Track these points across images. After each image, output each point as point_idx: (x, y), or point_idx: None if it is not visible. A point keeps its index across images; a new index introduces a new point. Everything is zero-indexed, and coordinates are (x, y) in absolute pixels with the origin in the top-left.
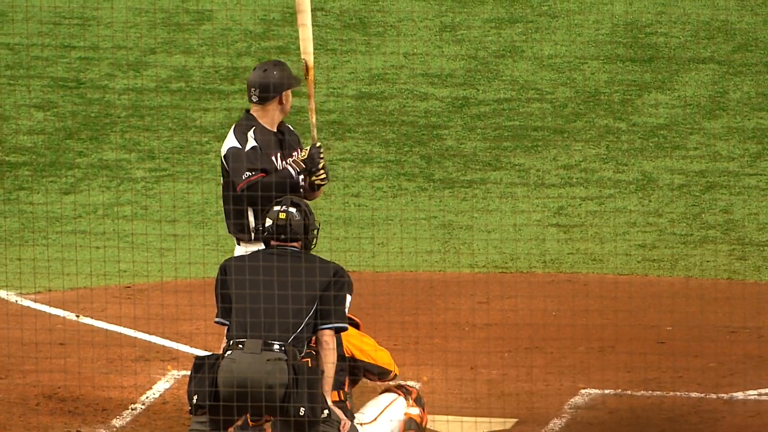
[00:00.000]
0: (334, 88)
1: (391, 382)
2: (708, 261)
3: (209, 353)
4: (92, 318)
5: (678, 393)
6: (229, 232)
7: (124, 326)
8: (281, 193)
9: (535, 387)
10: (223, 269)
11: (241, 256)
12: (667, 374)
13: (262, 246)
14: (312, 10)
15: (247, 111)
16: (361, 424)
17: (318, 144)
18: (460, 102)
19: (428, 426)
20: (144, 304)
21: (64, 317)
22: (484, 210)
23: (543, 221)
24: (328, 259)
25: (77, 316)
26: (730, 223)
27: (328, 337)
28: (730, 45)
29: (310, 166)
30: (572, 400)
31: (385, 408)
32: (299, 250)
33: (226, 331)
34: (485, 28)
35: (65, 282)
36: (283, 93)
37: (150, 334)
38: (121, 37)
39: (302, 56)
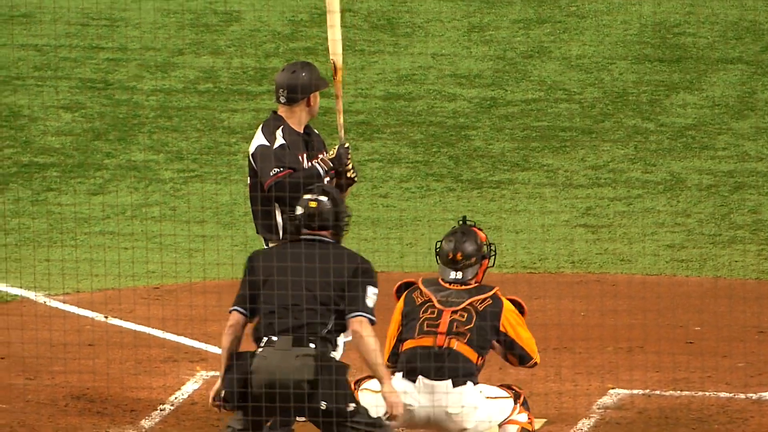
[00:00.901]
0: (361, 89)
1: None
2: (736, 261)
3: (243, 351)
4: (120, 319)
5: (706, 393)
6: (258, 233)
7: (153, 327)
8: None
9: (563, 387)
10: (250, 260)
11: (268, 249)
12: (695, 374)
13: None
14: (340, 11)
15: (274, 112)
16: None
17: (346, 144)
18: (488, 102)
19: None
20: (172, 305)
21: (92, 318)
22: (512, 210)
23: (571, 221)
24: (353, 251)
25: (105, 317)
26: (758, 223)
27: (357, 325)
28: (759, 45)
29: (338, 166)
30: (601, 400)
31: (496, 398)
32: (329, 239)
33: (231, 320)
34: (513, 29)
35: (93, 283)
36: (311, 95)
37: (178, 335)
38: (149, 38)
39: (331, 57)
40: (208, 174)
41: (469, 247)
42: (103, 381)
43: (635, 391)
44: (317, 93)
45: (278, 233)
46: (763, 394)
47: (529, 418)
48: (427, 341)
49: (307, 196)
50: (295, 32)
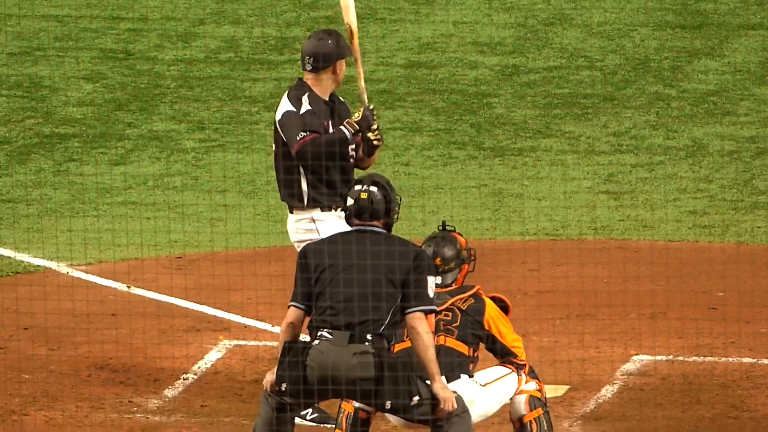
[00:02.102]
0: (383, 57)
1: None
2: (759, 227)
3: (300, 340)
4: (143, 289)
5: (730, 359)
6: (282, 200)
7: (176, 297)
8: (331, 157)
9: (587, 354)
10: (304, 253)
11: (321, 240)
12: (719, 340)
13: (317, 212)
14: None
15: (300, 79)
16: (475, 382)
17: (371, 106)
18: (510, 70)
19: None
20: (195, 275)
21: (115, 288)
22: (535, 178)
23: (593, 188)
24: (407, 240)
25: (128, 287)
26: None
27: (415, 321)
28: None
29: (364, 127)
30: (624, 366)
31: (498, 378)
32: (381, 229)
33: (289, 316)
34: None
35: (116, 253)
36: (337, 62)
37: (201, 305)
38: (169, 8)
39: (346, 22)
40: (230, 143)
41: (448, 252)
42: (126, 351)
43: (658, 358)
44: (343, 61)
45: (303, 201)
46: None
47: (538, 386)
48: None
49: (357, 187)
50: (316, 1)
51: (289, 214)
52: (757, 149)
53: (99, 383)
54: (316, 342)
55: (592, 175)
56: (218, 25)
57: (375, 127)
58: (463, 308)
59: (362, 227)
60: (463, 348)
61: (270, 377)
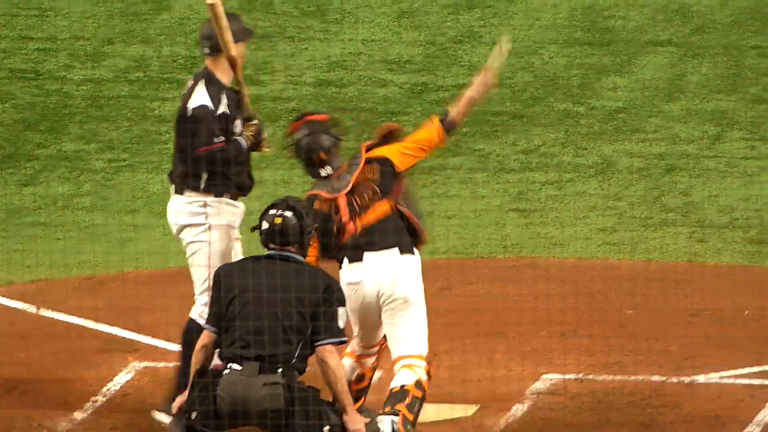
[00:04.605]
0: (292, 76)
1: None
2: (668, 244)
3: (211, 368)
4: (53, 310)
5: (640, 377)
6: (171, 180)
7: (85, 318)
8: (236, 162)
9: (496, 373)
10: (218, 273)
11: (233, 264)
12: (628, 358)
13: (210, 198)
14: None
15: (206, 67)
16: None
17: (256, 120)
18: (419, 88)
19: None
20: (105, 296)
21: (24, 310)
22: (444, 196)
23: (503, 206)
24: (318, 269)
25: (37, 309)
26: (689, 205)
27: (325, 353)
28: (688, 27)
29: (258, 138)
30: (534, 385)
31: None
32: (294, 255)
33: (204, 339)
34: (443, 14)
35: (25, 274)
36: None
37: (111, 326)
38: (78, 28)
39: (227, 55)
40: (139, 163)
41: (326, 141)
42: (36, 373)
43: (568, 376)
44: (241, 44)
45: (198, 184)
46: (696, 377)
47: (427, 375)
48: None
49: (272, 211)
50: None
51: (176, 195)
52: (666, 166)
53: (8, 406)
54: (226, 372)
55: (502, 193)
56: (127, 45)
57: (264, 136)
58: (371, 177)
59: (274, 253)
60: (384, 208)
61: (180, 401)
